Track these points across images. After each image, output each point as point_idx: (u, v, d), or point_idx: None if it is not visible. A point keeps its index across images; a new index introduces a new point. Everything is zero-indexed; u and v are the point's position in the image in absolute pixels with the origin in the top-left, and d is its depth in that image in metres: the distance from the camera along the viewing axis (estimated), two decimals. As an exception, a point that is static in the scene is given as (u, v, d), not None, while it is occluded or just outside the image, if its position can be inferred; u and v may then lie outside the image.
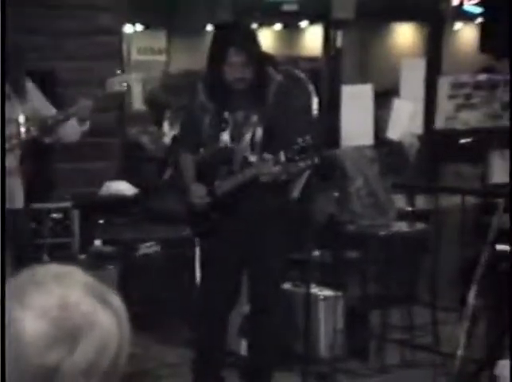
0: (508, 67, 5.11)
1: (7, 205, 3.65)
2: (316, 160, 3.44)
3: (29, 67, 4.00)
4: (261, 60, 3.63)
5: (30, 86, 3.83)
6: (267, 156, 3.49)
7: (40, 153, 3.88)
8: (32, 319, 1.07)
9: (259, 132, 3.60)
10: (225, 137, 3.64)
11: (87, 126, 3.79)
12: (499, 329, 3.66)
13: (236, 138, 3.62)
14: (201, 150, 3.73)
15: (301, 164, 3.44)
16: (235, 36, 3.59)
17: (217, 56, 3.58)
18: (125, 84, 3.76)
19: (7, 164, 3.68)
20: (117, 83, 3.74)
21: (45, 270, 1.14)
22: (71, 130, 3.78)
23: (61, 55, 5.36)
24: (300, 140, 3.41)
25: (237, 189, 3.61)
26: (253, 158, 3.60)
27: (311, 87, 4.85)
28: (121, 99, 5.38)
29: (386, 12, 10.61)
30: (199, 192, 3.67)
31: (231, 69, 3.53)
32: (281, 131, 3.56)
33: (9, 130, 3.64)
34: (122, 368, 1.12)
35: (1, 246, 3.40)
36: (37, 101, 3.83)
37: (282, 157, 3.43)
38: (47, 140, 3.79)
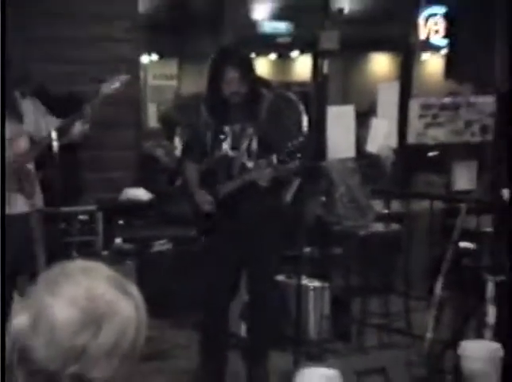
0: (470, 91, 5.11)
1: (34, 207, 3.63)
2: (305, 162, 3.45)
3: (55, 90, 3.98)
4: (254, 78, 3.64)
5: (29, 104, 3.75)
6: (261, 161, 3.50)
7: (56, 160, 3.81)
8: (62, 306, 1.06)
9: (254, 142, 3.61)
10: (225, 147, 3.64)
11: (87, 126, 3.76)
12: (462, 315, 3.65)
13: (235, 147, 3.63)
14: (205, 158, 3.72)
15: (291, 165, 3.46)
16: (231, 56, 3.60)
17: (216, 75, 3.58)
18: (113, 87, 3.70)
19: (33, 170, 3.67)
20: (108, 87, 3.70)
21: (74, 264, 1.13)
22: (77, 131, 3.76)
23: (87, 81, 5.35)
24: (289, 144, 3.43)
25: (236, 192, 3.60)
26: (250, 164, 3.61)
27: (301, 107, 4.84)
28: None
29: (365, 44, 10.63)
30: (204, 199, 3.67)
31: (228, 85, 3.53)
32: (275, 141, 3.57)
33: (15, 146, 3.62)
34: (140, 348, 1.11)
35: (1, 246, 3.35)
36: (38, 115, 3.78)
37: (274, 159, 3.45)
38: (60, 141, 3.74)
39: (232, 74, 3.51)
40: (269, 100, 3.63)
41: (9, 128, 3.62)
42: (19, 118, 3.67)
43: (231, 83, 3.52)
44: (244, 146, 3.61)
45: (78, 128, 3.74)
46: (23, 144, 3.66)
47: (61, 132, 3.66)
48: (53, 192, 3.83)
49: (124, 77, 3.78)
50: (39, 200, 3.72)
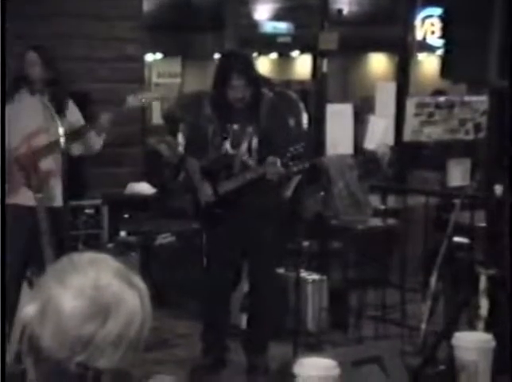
0: (462, 90, 5.11)
1: (48, 204, 3.63)
2: (306, 165, 3.46)
3: (70, 89, 4.03)
4: (257, 82, 3.64)
5: (70, 104, 3.84)
6: (273, 159, 3.50)
7: (76, 160, 3.88)
8: (70, 297, 1.06)
9: (255, 140, 3.61)
10: (226, 145, 3.64)
11: (103, 137, 3.79)
12: (455, 307, 3.65)
13: (235, 146, 3.63)
14: (206, 155, 3.72)
15: (294, 168, 3.47)
16: (236, 63, 3.59)
17: (222, 80, 3.57)
18: (144, 100, 3.74)
19: (48, 166, 3.68)
20: (136, 100, 3.72)
21: (81, 256, 1.13)
22: (93, 141, 3.78)
23: (95, 79, 5.36)
24: (292, 149, 3.43)
25: (238, 188, 3.61)
26: (250, 162, 3.61)
27: (301, 105, 4.85)
28: (138, 114, 5.35)
29: (364, 44, 10.63)
30: (207, 192, 3.67)
31: (233, 91, 3.54)
32: (275, 140, 3.57)
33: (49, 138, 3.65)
34: (145, 338, 1.12)
35: (1, 246, 3.35)
36: (73, 116, 3.83)
37: (278, 163, 3.45)
38: (76, 151, 3.79)
39: (237, 81, 3.52)
40: (268, 99, 3.64)
41: (32, 122, 3.64)
42: (40, 114, 3.69)
43: (237, 89, 3.52)
44: (244, 144, 3.61)
45: (94, 140, 3.76)
46: (41, 140, 3.67)
47: (74, 137, 3.69)
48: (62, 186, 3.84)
49: (149, 93, 3.81)
50: (59, 200, 3.71)
